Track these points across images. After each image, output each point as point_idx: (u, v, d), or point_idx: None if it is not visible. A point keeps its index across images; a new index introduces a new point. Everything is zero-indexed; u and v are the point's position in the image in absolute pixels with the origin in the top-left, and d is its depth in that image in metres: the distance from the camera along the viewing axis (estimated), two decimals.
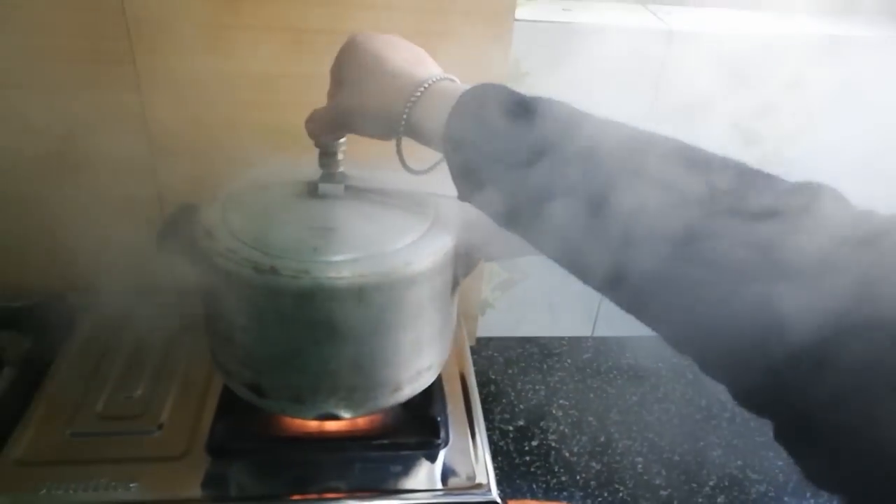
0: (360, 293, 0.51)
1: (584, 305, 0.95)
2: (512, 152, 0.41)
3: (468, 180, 0.45)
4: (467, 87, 0.45)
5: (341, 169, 0.57)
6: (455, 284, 0.57)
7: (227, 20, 0.66)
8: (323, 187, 0.56)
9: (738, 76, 0.79)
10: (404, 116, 0.46)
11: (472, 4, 0.68)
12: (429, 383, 0.60)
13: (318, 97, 0.70)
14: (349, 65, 0.51)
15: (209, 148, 0.72)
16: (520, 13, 0.72)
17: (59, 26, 0.65)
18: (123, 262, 0.79)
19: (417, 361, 0.57)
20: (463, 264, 0.56)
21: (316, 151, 0.56)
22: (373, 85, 0.49)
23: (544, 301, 0.94)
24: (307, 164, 0.58)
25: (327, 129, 0.54)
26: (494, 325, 0.95)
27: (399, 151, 0.49)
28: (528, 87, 0.75)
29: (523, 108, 0.42)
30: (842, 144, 0.86)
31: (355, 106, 0.50)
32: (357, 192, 0.56)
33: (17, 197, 0.74)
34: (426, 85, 0.46)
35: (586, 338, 0.98)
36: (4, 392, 0.66)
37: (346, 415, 0.57)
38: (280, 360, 0.55)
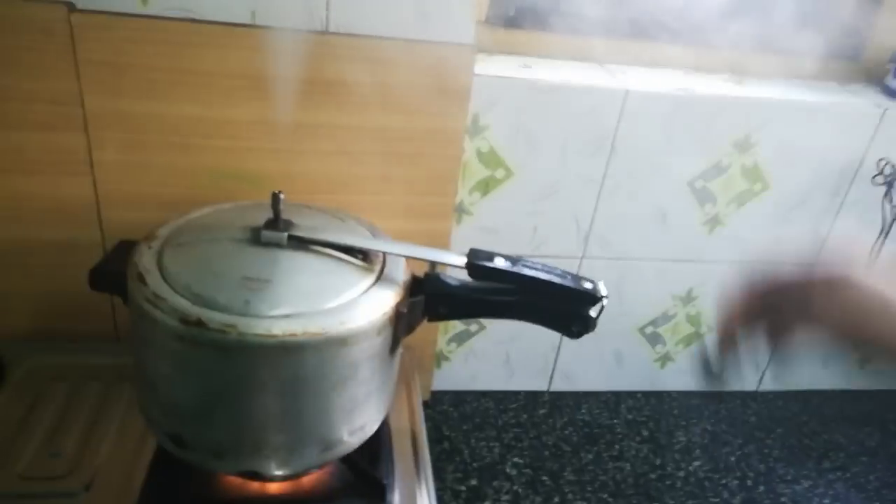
0: (289, 352, 0.49)
1: (540, 359, 0.94)
2: None
3: None
4: None
5: (286, 216, 0.55)
6: (395, 343, 0.55)
7: (180, 64, 0.65)
8: (266, 235, 0.54)
9: (691, 136, 0.81)
10: None
11: (431, 56, 0.69)
12: (362, 442, 0.58)
13: (269, 143, 0.70)
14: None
15: (156, 193, 0.70)
16: (479, 68, 0.73)
17: (6, 65, 0.63)
18: (60, 309, 0.76)
19: (350, 422, 0.55)
20: (405, 323, 0.54)
21: (267, 196, 0.54)
22: None
23: (501, 354, 0.92)
24: (254, 209, 0.57)
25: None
26: (450, 378, 0.93)
27: None
28: (486, 142, 0.76)
29: None
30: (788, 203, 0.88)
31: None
32: (301, 243, 0.55)
33: None
34: None
35: (542, 392, 0.96)
36: None
37: (271, 473, 0.55)
38: (202, 413, 0.52)
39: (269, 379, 0.50)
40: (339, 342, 0.50)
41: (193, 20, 0.64)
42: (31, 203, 0.69)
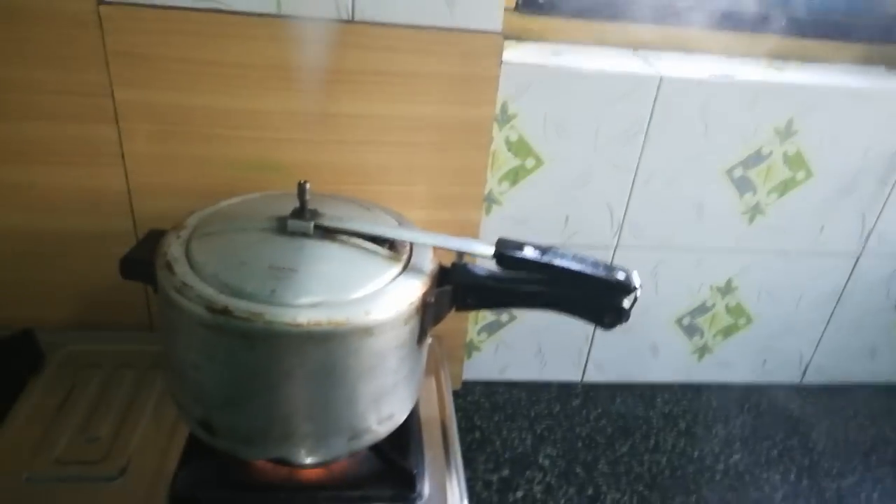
0: (314, 341, 0.48)
1: (573, 350, 0.92)
2: None
3: None
4: None
5: (313, 206, 0.55)
6: (423, 333, 0.55)
7: (208, 56, 0.65)
8: (292, 224, 0.54)
9: (730, 123, 0.78)
10: None
11: (458, 45, 0.67)
12: (390, 432, 0.58)
13: (296, 133, 0.69)
14: None
15: (187, 184, 0.71)
16: (508, 55, 0.71)
17: (37, 58, 0.64)
18: (95, 298, 0.77)
19: (377, 411, 0.55)
20: (432, 313, 0.54)
21: (294, 186, 0.55)
22: None
23: (533, 344, 0.91)
24: (281, 199, 0.57)
25: None
26: (481, 368, 0.92)
27: None
28: (515, 131, 0.75)
29: None
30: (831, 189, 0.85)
31: None
32: (327, 232, 0.54)
33: None
34: None
35: (575, 383, 0.95)
36: None
37: (300, 460, 0.55)
38: (230, 401, 0.52)
39: (294, 367, 0.50)
40: (365, 332, 0.50)
41: (220, 11, 0.64)
42: (64, 194, 0.71)
